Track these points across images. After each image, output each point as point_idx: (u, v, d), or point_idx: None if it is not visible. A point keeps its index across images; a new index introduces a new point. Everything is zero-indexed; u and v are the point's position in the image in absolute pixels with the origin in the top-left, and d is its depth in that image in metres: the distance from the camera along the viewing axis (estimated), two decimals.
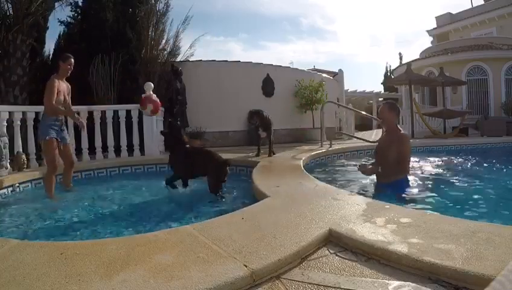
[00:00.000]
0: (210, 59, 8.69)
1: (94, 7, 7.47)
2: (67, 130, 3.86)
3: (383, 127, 3.44)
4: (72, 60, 3.60)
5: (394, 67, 21.08)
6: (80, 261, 1.36)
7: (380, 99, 18.20)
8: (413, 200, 2.90)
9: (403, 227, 1.63)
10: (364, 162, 4.42)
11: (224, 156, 3.47)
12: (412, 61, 15.82)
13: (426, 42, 27.95)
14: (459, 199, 2.99)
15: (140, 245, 1.52)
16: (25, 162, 4.30)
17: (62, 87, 3.59)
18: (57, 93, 3.49)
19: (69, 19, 8.31)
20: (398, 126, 3.27)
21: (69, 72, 3.64)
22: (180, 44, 8.14)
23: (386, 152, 3.15)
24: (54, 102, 3.42)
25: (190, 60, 8.25)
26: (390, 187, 3.08)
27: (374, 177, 3.42)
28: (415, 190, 3.20)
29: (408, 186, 3.19)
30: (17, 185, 3.74)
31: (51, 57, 8.09)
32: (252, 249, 1.43)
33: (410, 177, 3.39)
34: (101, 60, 6.65)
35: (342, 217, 1.84)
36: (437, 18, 20.38)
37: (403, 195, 2.99)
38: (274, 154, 5.39)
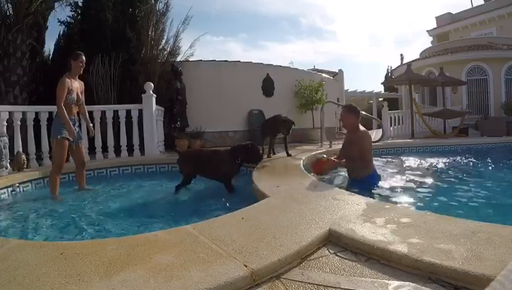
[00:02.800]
0: (210, 59, 8.70)
1: (94, 7, 7.46)
2: (80, 129, 3.82)
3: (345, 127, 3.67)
4: (83, 57, 3.60)
5: (394, 68, 21.05)
6: (80, 261, 1.36)
7: (380, 99, 18.16)
8: (382, 197, 2.96)
9: (403, 227, 1.62)
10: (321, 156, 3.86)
11: None
12: (412, 61, 15.83)
13: (426, 42, 27.94)
14: (459, 199, 2.99)
15: (140, 245, 1.52)
16: (25, 162, 4.30)
17: (74, 85, 3.58)
18: (70, 92, 3.50)
19: (69, 19, 8.35)
20: (360, 126, 3.39)
21: (82, 69, 3.64)
22: (180, 44, 8.15)
23: (348, 151, 3.38)
24: (62, 103, 3.42)
25: (190, 60, 8.24)
26: (359, 183, 3.21)
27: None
28: (386, 187, 3.29)
29: (376, 182, 3.32)
30: (17, 185, 3.74)
31: (51, 56, 8.10)
32: (252, 249, 1.43)
33: (384, 174, 3.56)
34: (101, 60, 6.65)
35: (341, 217, 1.84)
36: (437, 18, 20.38)
37: (372, 191, 3.09)
38: (274, 154, 5.41)
